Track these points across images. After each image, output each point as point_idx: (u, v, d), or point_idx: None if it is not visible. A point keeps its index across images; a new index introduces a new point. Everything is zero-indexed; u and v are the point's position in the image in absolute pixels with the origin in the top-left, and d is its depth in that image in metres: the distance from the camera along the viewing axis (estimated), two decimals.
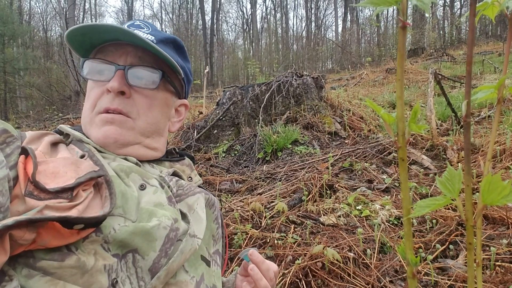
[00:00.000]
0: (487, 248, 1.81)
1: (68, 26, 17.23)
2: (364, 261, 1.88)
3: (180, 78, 0.90)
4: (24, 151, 0.62)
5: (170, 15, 36.15)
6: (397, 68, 0.49)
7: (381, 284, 1.70)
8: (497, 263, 1.71)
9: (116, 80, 0.78)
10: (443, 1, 24.70)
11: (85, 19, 31.11)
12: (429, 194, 2.56)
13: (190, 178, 0.91)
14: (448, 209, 2.28)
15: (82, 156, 0.70)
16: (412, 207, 0.53)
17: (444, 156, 3.34)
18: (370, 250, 1.94)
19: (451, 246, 1.90)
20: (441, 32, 20.53)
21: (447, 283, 1.64)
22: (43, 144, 0.68)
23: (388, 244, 2.01)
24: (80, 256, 0.57)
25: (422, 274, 1.73)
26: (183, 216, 0.76)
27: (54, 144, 0.73)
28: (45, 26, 29.17)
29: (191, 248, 0.71)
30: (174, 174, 0.87)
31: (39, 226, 0.53)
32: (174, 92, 0.90)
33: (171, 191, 0.78)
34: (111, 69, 0.79)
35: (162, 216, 0.69)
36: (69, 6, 21.34)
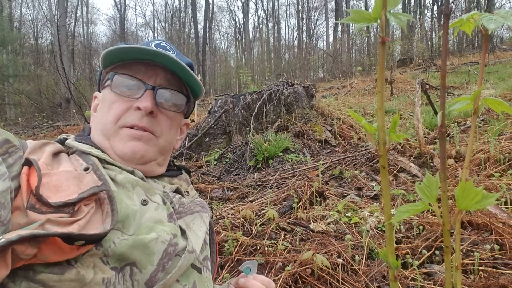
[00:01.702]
0: (471, 254, 1.85)
1: (60, 33, 17.15)
2: (353, 267, 1.91)
3: (193, 102, 0.95)
4: (28, 163, 0.63)
5: (163, 24, 36.25)
6: (377, 81, 0.52)
7: None
8: (480, 268, 1.75)
9: (149, 100, 0.81)
10: (430, 13, 25.25)
11: (77, 26, 30.99)
12: (416, 201, 2.60)
13: (187, 193, 0.93)
14: (434, 215, 2.33)
15: (86, 169, 0.71)
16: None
17: (431, 164, 3.41)
18: (359, 256, 1.98)
19: (437, 252, 1.94)
20: (429, 43, 20.93)
21: (432, 287, 1.68)
22: (45, 154, 0.68)
23: (376, 250, 2.05)
24: (80, 269, 0.58)
25: (409, 279, 1.76)
26: (182, 232, 0.78)
27: (56, 154, 0.73)
28: (35, 33, 28.96)
29: (187, 264, 0.73)
30: (177, 190, 0.89)
31: (40, 241, 0.53)
32: (185, 113, 0.95)
33: (172, 208, 0.80)
34: (141, 87, 0.82)
35: (161, 231, 0.70)
36: (60, 13, 21.26)
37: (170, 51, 0.88)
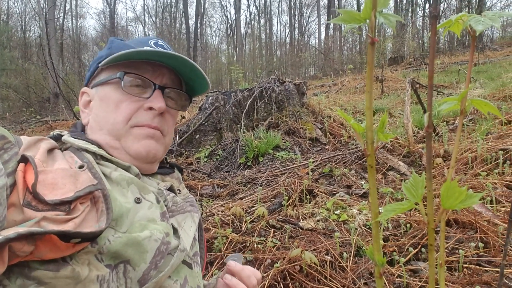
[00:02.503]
0: (456, 251, 1.89)
1: (48, 27, 16.82)
2: (341, 264, 1.93)
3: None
4: (24, 159, 0.62)
5: (153, 18, 35.89)
6: (366, 80, 0.53)
7: (356, 286, 1.75)
8: (465, 265, 1.78)
9: (161, 101, 0.82)
10: (422, 12, 25.47)
11: (66, 20, 30.48)
12: (404, 199, 2.64)
13: (178, 191, 0.93)
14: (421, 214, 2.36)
15: (81, 166, 0.70)
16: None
17: (420, 163, 3.45)
18: (347, 253, 2.00)
19: (423, 249, 1.97)
20: (420, 41, 21.11)
21: (418, 284, 1.70)
22: (40, 151, 0.68)
23: (364, 248, 2.07)
24: (75, 266, 0.58)
25: (395, 276, 1.79)
26: (175, 231, 0.78)
27: (50, 151, 0.73)
28: (23, 27, 28.40)
29: (179, 262, 0.74)
30: (170, 188, 0.89)
31: (37, 239, 0.53)
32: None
33: (166, 206, 0.81)
34: (150, 87, 0.83)
35: (154, 230, 0.71)
36: (49, 7, 20.90)
37: (167, 50, 0.89)
